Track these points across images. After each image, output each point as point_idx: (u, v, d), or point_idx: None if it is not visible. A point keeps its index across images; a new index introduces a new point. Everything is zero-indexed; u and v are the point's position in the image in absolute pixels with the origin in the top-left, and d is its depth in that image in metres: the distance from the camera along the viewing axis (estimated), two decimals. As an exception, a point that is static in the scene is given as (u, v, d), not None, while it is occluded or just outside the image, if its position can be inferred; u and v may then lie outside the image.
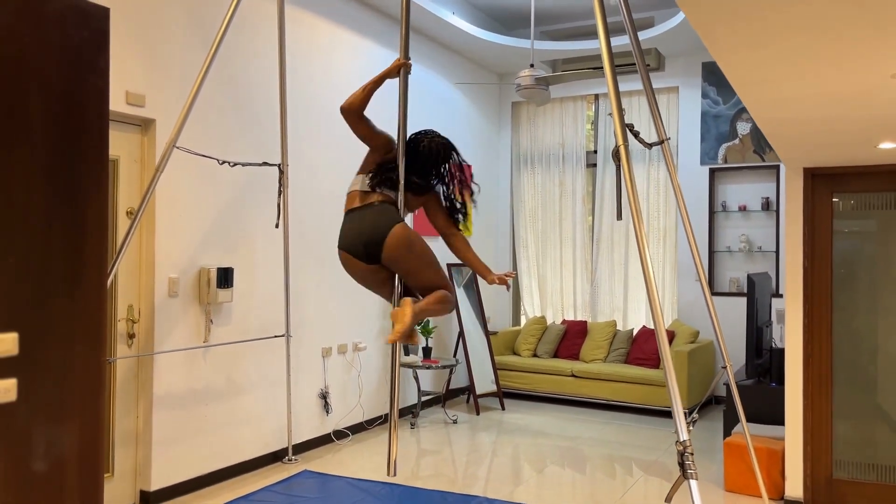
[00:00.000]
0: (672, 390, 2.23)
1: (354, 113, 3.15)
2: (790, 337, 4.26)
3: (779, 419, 4.93)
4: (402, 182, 3.20)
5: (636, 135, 2.68)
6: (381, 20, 6.16)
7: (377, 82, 3.17)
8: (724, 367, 3.38)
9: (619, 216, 2.60)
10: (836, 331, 4.17)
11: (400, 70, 3.26)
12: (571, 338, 7.38)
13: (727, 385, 5.13)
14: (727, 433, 5.11)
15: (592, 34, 7.52)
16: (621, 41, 6.66)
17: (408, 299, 3.04)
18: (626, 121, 2.67)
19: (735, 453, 4.51)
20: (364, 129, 3.20)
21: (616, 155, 2.48)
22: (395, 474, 3.18)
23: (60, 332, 1.74)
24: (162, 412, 4.26)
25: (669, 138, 3.23)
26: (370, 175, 3.21)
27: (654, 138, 7.33)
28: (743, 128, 6.95)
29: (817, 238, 4.18)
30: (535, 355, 7.39)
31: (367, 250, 3.08)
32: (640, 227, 2.42)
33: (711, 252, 7.14)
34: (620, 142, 2.47)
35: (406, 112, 3.29)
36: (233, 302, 4.71)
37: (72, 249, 1.85)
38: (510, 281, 3.40)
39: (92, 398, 1.89)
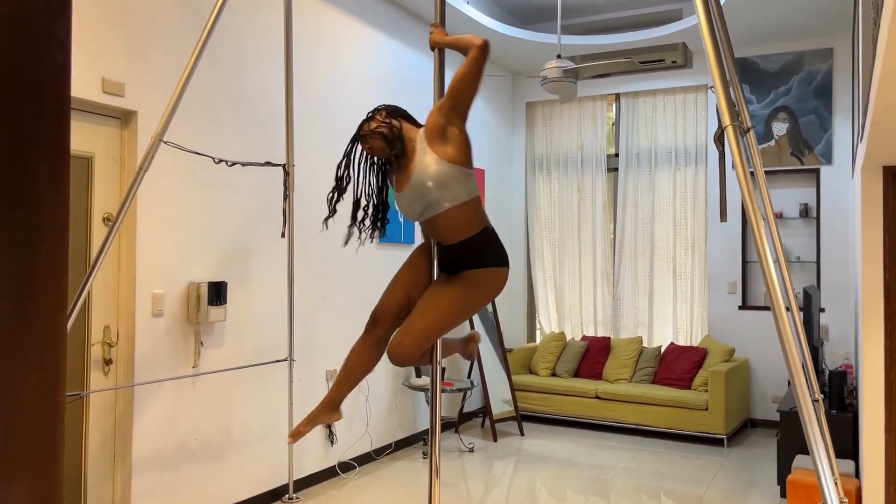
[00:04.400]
0: (815, 446, 1.67)
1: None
2: (868, 361, 3.72)
3: (840, 451, 4.39)
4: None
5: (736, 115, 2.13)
6: (391, 9, 5.62)
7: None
8: (816, 401, 2.83)
9: (724, 216, 2.06)
10: (921, 354, 3.62)
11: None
12: (593, 356, 6.82)
13: (782, 412, 4.58)
14: (783, 466, 4.56)
15: (615, 29, 7.00)
16: (648, 35, 6.18)
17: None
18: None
19: (801, 494, 3.96)
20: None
21: (720, 139, 1.94)
22: None
23: (4, 367, 1.24)
24: (144, 448, 3.68)
25: (754, 126, 2.70)
26: None
27: (677, 141, 6.81)
28: (779, 128, 6.42)
29: (899, 247, 3.64)
30: (553, 374, 6.83)
31: None
32: (759, 225, 1.88)
33: (745, 263, 6.61)
34: (727, 122, 1.93)
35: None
36: (226, 321, 4.14)
37: (21, 262, 1.34)
38: None
39: (46, 450, 1.38)
